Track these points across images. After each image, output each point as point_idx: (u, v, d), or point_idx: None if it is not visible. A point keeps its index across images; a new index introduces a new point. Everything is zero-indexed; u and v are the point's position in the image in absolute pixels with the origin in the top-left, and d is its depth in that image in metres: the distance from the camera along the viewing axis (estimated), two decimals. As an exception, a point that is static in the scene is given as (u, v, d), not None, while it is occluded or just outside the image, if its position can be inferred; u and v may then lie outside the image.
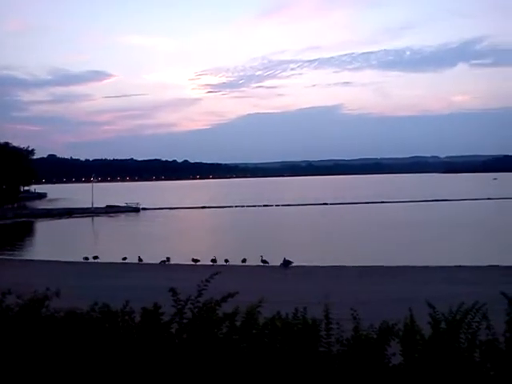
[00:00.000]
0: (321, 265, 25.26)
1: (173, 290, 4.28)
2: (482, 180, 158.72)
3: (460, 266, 24.15)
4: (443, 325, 4.23)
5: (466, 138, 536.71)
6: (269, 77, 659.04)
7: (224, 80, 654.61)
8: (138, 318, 4.42)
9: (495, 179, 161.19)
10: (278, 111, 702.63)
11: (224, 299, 4.26)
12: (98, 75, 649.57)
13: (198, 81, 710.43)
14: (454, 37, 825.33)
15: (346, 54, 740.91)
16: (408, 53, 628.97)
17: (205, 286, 4.33)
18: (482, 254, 28.74)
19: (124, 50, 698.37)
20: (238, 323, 4.34)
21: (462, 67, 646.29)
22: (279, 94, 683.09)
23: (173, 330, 4.33)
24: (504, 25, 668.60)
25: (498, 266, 24.14)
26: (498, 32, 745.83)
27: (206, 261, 26.09)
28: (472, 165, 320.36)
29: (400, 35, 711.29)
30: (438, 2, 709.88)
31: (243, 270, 24.94)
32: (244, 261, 26.27)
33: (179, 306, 4.24)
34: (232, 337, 4.22)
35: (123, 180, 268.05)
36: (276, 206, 79.51)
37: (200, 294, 4.28)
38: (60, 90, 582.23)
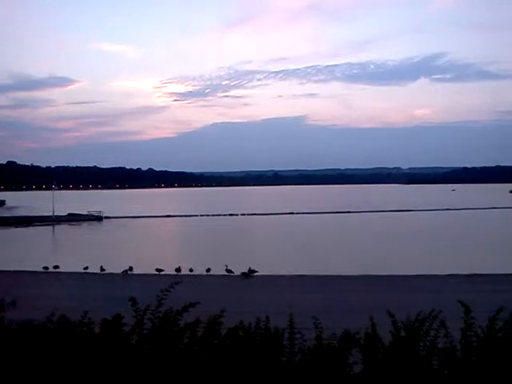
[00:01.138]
0: (285, 274, 25.35)
1: (132, 300, 4.19)
2: (442, 191, 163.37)
3: (421, 275, 24.64)
4: (403, 333, 4.30)
5: (427, 150, 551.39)
6: (235, 86, 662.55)
7: (190, 89, 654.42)
8: (97, 330, 4.31)
9: (453, 190, 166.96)
10: (244, 121, 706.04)
11: (185, 309, 4.20)
12: (61, 81, 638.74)
13: (163, 89, 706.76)
14: (416, 52, 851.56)
15: (311, 66, 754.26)
16: (372, 66, 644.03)
17: (165, 295, 4.27)
18: (442, 263, 29.43)
19: (89, 56, 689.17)
20: (200, 333, 4.30)
21: (423, 81, 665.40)
22: (245, 104, 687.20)
23: (133, 342, 4.25)
24: (463, 41, 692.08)
25: (458, 274, 24.78)
26: (457, 48, 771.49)
27: (170, 270, 25.79)
28: (433, 176, 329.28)
29: (364, 49, 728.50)
30: (400, 18, 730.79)
31: (208, 279, 24.78)
32: (208, 270, 26.11)
33: (139, 317, 4.16)
34: (193, 347, 4.17)
35: (86, 188, 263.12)
36: (241, 215, 79.50)
37: (160, 304, 4.21)
38: (22, 95, 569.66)
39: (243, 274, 25.52)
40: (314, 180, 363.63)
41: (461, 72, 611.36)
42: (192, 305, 4.21)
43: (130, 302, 4.22)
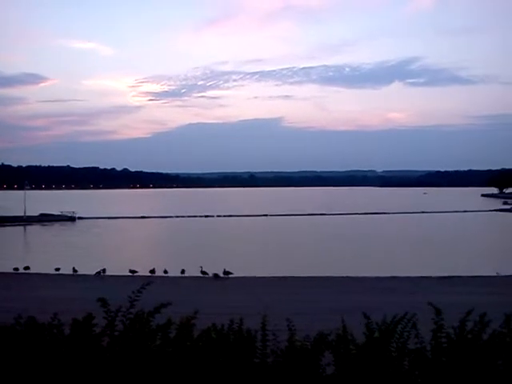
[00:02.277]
0: (260, 276, 25.38)
1: (102, 301, 4.12)
2: (415, 194, 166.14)
3: (395, 277, 24.96)
4: (377, 334, 4.33)
5: (401, 153, 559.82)
6: (211, 87, 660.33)
7: (166, 88, 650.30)
8: (68, 332, 4.23)
9: (425, 193, 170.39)
10: (220, 122, 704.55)
11: (157, 310, 4.16)
12: (33, 78, 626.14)
13: (139, 88, 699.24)
14: (391, 56, 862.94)
15: (287, 68, 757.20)
16: (347, 69, 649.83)
17: (136, 296, 4.21)
18: (416, 265, 29.88)
19: (62, 53, 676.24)
20: (172, 335, 4.26)
21: (397, 85, 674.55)
22: (221, 105, 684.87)
23: (104, 343, 4.18)
24: (437, 46, 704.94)
25: (431, 276, 25.18)
26: (431, 53, 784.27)
27: (144, 272, 25.55)
28: (406, 179, 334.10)
29: (339, 52, 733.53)
30: (376, 22, 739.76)
31: (182, 281, 24.63)
32: (183, 272, 25.95)
33: (110, 318, 4.09)
34: (165, 349, 4.13)
35: (59, 188, 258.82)
36: (217, 216, 79.34)
37: (132, 305, 4.15)
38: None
39: (214, 275, 25.44)
40: (290, 182, 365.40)
41: (434, 77, 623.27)
42: (164, 305, 4.17)
43: (101, 303, 4.15)
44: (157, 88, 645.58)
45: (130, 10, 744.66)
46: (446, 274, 25.57)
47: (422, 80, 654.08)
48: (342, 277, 25.02)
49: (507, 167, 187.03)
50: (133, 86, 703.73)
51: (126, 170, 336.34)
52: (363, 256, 35.88)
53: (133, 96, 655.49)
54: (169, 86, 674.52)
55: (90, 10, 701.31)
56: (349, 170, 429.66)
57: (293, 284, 22.86)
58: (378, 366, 4.15)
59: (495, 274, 25.73)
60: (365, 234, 52.25)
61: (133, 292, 4.24)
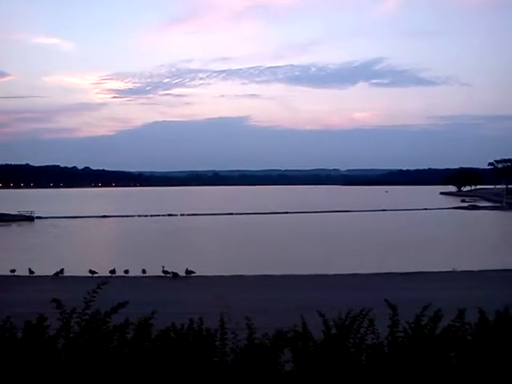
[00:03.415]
0: (223, 274, 25.33)
1: (57, 302, 4.02)
2: (377, 192, 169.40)
3: (356, 274, 25.35)
4: (334, 330, 4.39)
5: (364, 152, 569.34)
6: (177, 85, 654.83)
7: (130, 86, 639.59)
8: (21, 335, 4.11)
9: (387, 192, 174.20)
10: (186, 120, 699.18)
11: (114, 310, 4.09)
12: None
13: (102, 85, 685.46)
14: (356, 56, 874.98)
15: (253, 67, 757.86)
16: (313, 69, 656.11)
17: (92, 297, 4.13)
18: (377, 262, 30.44)
19: (22, 49, 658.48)
20: (130, 335, 4.20)
21: (362, 85, 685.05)
22: (187, 103, 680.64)
23: (59, 346, 4.08)
24: (400, 48, 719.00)
25: (391, 273, 25.68)
26: (395, 54, 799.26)
27: (104, 272, 25.10)
28: (369, 178, 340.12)
29: (306, 52, 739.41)
30: (342, 23, 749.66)
31: (143, 280, 24.32)
32: (144, 271, 25.63)
33: (65, 320, 4.00)
34: (123, 350, 4.06)
35: (17, 187, 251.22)
36: (181, 215, 78.73)
37: (88, 306, 4.07)
38: None
39: (173, 274, 25.17)
40: (255, 180, 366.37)
41: (397, 77, 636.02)
42: (121, 305, 4.10)
43: (57, 305, 4.05)
44: (121, 85, 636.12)
45: (95, 6, 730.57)
46: (406, 271, 26.14)
47: (386, 81, 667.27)
48: (304, 275, 25.23)
49: (465, 166, 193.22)
50: (96, 83, 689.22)
51: (87, 168, 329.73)
52: (325, 254, 36.31)
53: (96, 93, 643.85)
54: (133, 83, 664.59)
55: (52, 5, 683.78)
56: (313, 168, 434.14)
57: (255, 282, 22.91)
58: (336, 362, 4.21)
59: (451, 270, 26.51)
60: (327, 232, 52.89)
61: (88, 293, 4.16)
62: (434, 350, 4.18)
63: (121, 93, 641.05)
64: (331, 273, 25.81)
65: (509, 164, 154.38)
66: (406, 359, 4.17)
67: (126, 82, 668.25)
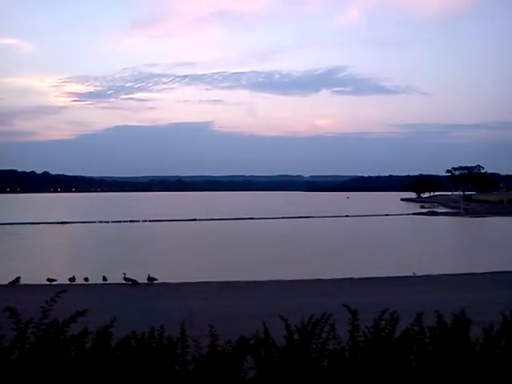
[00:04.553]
0: (187, 281, 25.10)
1: (11, 311, 3.88)
2: (338, 198, 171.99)
3: (318, 280, 25.58)
4: (296, 336, 4.41)
5: (327, 159, 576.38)
6: (139, 89, 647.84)
7: (91, 89, 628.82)
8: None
9: (348, 198, 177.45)
10: (149, 125, 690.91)
11: (72, 319, 3.99)
12: None
13: (62, 88, 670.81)
14: (319, 64, 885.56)
15: (217, 73, 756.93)
16: (277, 76, 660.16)
17: (50, 306, 4.02)
18: (339, 267, 30.80)
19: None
20: (88, 345, 4.10)
21: (325, 93, 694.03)
22: (150, 108, 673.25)
23: (14, 357, 3.94)
24: (362, 57, 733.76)
25: (353, 278, 26.04)
26: (356, 63, 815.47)
27: (63, 280, 24.45)
28: (332, 184, 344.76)
29: (269, 59, 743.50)
30: (305, 31, 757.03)
31: (103, 288, 23.84)
32: (105, 279, 25.12)
33: (20, 330, 3.87)
34: (81, 360, 3.96)
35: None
36: (143, 221, 77.69)
37: (45, 316, 3.95)
38: None
39: (132, 282, 24.67)
40: (219, 186, 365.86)
41: (359, 86, 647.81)
42: (80, 314, 4.00)
43: (10, 314, 3.92)
44: (81, 88, 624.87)
45: (56, 7, 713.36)
46: (367, 276, 26.56)
47: (348, 89, 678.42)
48: (267, 281, 25.29)
49: (424, 173, 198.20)
50: (56, 86, 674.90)
51: (46, 173, 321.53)
52: (288, 259, 36.49)
53: (56, 96, 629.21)
54: (94, 86, 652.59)
55: (11, 5, 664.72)
56: (277, 174, 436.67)
57: (219, 289, 22.79)
58: (299, 368, 4.22)
59: (412, 275, 27.10)
60: (290, 237, 53.21)
61: (46, 301, 4.04)
62: (393, 353, 4.26)
63: (81, 96, 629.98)
64: (293, 278, 25.96)
65: (465, 171, 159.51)
66: (366, 363, 4.23)
67: (87, 86, 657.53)
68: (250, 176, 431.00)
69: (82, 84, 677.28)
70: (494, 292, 20.52)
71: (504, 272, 27.68)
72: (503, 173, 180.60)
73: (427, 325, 4.59)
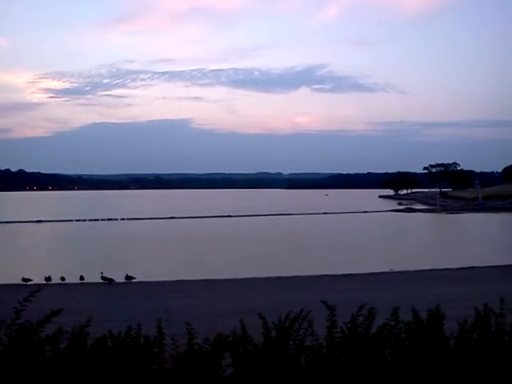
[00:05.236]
0: (165, 280, 24.96)
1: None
2: (317, 195, 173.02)
3: (297, 276, 25.71)
4: (274, 333, 4.42)
5: (306, 156, 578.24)
6: (117, 86, 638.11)
7: (68, 86, 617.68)
8: None
9: (326, 195, 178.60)
10: (127, 122, 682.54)
11: (47, 319, 3.92)
12: None
13: (38, 84, 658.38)
14: (299, 62, 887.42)
15: (196, 69, 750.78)
16: (256, 73, 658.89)
17: (24, 306, 3.95)
18: (318, 264, 31.00)
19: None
20: (64, 345, 4.04)
21: (304, 90, 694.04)
22: (128, 104, 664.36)
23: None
24: (341, 55, 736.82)
25: (331, 274, 26.25)
26: (336, 61, 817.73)
27: (39, 280, 24.05)
28: (311, 182, 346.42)
29: (249, 56, 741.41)
30: (285, 29, 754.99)
31: (80, 288, 23.54)
32: (82, 278, 24.82)
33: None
34: (56, 361, 3.90)
35: None
36: (121, 219, 76.96)
37: (18, 316, 3.88)
38: None
39: (108, 280, 24.40)
40: (199, 184, 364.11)
41: (338, 83, 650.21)
42: (55, 314, 3.94)
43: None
44: (58, 85, 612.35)
45: (32, 1, 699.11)
46: (345, 272, 26.79)
47: (327, 86, 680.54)
48: (245, 278, 25.31)
49: (402, 170, 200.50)
50: (32, 82, 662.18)
51: (21, 171, 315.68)
52: (266, 256, 36.58)
53: (31, 92, 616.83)
54: (71, 83, 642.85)
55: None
56: (257, 172, 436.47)
57: (198, 287, 22.74)
58: (276, 365, 4.23)
59: (389, 270, 27.45)
60: (269, 234, 53.32)
61: (19, 302, 3.97)
62: (370, 348, 4.30)
63: (58, 93, 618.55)
64: (272, 275, 26.03)
65: (442, 168, 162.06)
66: (343, 359, 4.26)
67: (64, 82, 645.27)
68: (229, 173, 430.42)
69: (59, 80, 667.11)
70: (469, 287, 20.91)
71: (479, 267, 28.24)
72: (478, 170, 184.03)
73: (404, 320, 4.65)
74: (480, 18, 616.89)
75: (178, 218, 79.13)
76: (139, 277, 25.20)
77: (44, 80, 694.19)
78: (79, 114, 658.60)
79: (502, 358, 4.42)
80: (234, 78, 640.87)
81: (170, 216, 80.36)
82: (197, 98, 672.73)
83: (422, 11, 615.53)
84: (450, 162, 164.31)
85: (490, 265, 28.94)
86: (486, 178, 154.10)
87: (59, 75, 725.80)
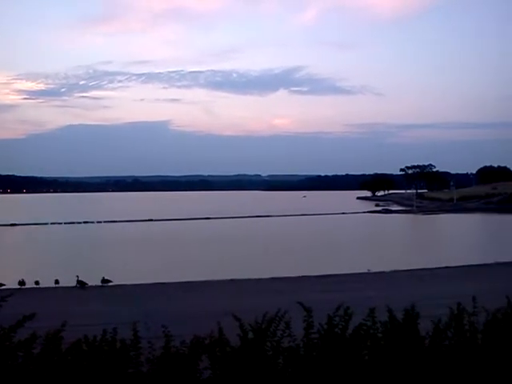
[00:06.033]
0: (143, 282, 24.72)
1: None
2: (295, 197, 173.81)
3: (274, 278, 25.74)
4: (251, 335, 4.41)
5: (285, 158, 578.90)
6: (94, 87, 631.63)
7: (43, 87, 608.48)
8: None
9: (304, 197, 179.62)
10: (104, 123, 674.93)
11: (20, 324, 3.85)
12: None
13: (12, 85, 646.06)
14: (277, 64, 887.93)
15: (174, 71, 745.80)
16: (234, 75, 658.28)
17: (-5, 311, 3.87)
18: (296, 266, 31.10)
19: None
20: (37, 350, 3.97)
21: (282, 93, 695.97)
22: (105, 106, 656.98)
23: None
24: (319, 57, 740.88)
25: (309, 276, 26.34)
26: (313, 63, 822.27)
27: (12, 284, 23.55)
28: (289, 183, 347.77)
29: (227, 58, 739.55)
30: (263, 31, 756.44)
31: (55, 292, 23.14)
32: (57, 282, 24.40)
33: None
34: (29, 366, 3.83)
35: None
36: (98, 222, 76.01)
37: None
38: None
39: (81, 284, 24.01)
40: (176, 186, 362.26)
41: (316, 86, 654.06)
42: (27, 318, 3.87)
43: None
44: (33, 86, 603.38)
45: (5, 1, 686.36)
46: (323, 273, 26.92)
47: (305, 88, 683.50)
48: (222, 280, 25.25)
49: (379, 172, 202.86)
50: (5, 83, 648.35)
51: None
52: (244, 258, 36.55)
53: (5, 94, 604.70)
54: (46, 84, 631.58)
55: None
56: (235, 174, 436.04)
57: (175, 289, 22.58)
58: (254, 367, 4.23)
59: (366, 271, 27.69)
60: (247, 236, 53.35)
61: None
62: (346, 348, 4.33)
63: (33, 94, 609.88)
64: (250, 277, 26.02)
65: (418, 170, 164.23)
66: (321, 359, 4.28)
67: (39, 83, 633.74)
68: (207, 175, 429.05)
69: (33, 81, 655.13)
70: (443, 286, 21.24)
71: (455, 267, 28.71)
72: (453, 171, 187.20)
73: (380, 320, 4.69)
74: (457, 19, 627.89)
75: (156, 220, 78.54)
76: (116, 280, 24.90)
77: (18, 81, 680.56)
78: (55, 116, 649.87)
79: (475, 356, 4.49)
80: (212, 79, 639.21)
81: (148, 218, 79.71)
82: (175, 100, 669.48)
83: (399, 13, 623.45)
84: (426, 163, 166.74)
85: (464, 264, 29.49)
86: (461, 180, 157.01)
87: (34, 76, 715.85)
